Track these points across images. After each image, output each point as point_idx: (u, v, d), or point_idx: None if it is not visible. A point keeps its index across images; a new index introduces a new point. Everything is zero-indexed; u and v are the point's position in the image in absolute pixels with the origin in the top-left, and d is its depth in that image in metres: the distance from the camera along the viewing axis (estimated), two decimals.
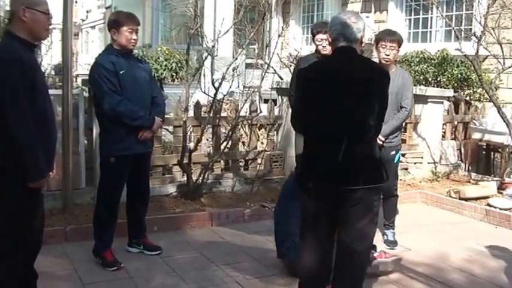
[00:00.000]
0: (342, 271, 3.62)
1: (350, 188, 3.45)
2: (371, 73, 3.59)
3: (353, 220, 3.49)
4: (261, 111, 7.77)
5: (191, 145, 6.92)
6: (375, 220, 3.61)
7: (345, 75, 3.52)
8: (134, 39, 4.85)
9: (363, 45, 3.69)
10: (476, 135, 8.60)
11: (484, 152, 8.92)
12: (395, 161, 5.54)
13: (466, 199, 7.02)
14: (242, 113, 7.27)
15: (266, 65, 8.37)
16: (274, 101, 8.10)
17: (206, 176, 6.73)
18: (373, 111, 3.50)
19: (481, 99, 9.53)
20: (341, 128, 3.47)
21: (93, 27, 30.30)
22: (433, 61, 9.91)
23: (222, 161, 7.29)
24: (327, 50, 5.76)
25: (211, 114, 6.94)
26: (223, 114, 7.50)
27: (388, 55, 5.31)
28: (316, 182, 3.54)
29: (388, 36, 5.37)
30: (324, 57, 5.54)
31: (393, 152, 5.47)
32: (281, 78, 9.71)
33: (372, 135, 3.57)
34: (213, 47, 6.92)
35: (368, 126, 3.50)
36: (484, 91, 8.49)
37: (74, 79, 10.47)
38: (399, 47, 5.39)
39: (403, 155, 7.71)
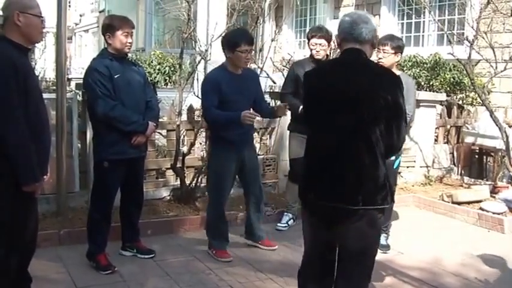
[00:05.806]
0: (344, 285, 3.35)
1: (348, 207, 3.16)
2: (377, 80, 3.21)
3: (354, 236, 3.21)
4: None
5: (184, 149, 6.91)
6: (377, 235, 3.42)
7: (347, 81, 3.20)
8: (129, 43, 4.85)
9: (375, 48, 3.41)
10: (468, 139, 8.62)
11: (476, 156, 8.96)
12: (394, 167, 5.42)
13: (459, 203, 7.04)
14: None
15: (259, 69, 8.37)
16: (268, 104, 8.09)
17: (200, 179, 6.72)
18: (377, 123, 3.13)
19: (474, 103, 9.57)
20: (340, 140, 3.16)
21: (86, 31, 30.31)
22: (425, 65, 9.94)
23: None
24: (321, 54, 5.80)
25: None
26: None
27: (380, 59, 5.28)
28: (315, 198, 3.28)
29: (386, 40, 5.27)
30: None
31: (393, 158, 5.41)
32: (274, 82, 9.72)
33: (377, 151, 3.16)
34: (206, 51, 6.93)
35: (371, 140, 3.13)
36: (476, 95, 8.52)
37: (67, 83, 10.42)
38: (397, 52, 5.29)
39: None
